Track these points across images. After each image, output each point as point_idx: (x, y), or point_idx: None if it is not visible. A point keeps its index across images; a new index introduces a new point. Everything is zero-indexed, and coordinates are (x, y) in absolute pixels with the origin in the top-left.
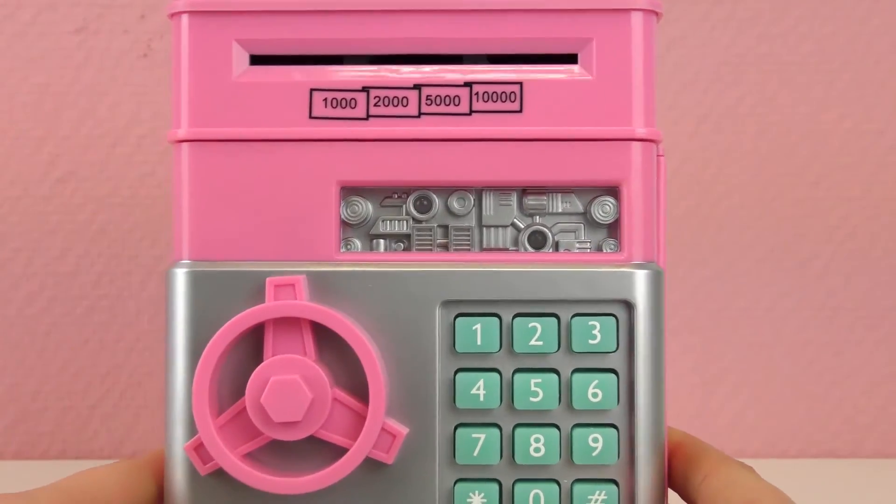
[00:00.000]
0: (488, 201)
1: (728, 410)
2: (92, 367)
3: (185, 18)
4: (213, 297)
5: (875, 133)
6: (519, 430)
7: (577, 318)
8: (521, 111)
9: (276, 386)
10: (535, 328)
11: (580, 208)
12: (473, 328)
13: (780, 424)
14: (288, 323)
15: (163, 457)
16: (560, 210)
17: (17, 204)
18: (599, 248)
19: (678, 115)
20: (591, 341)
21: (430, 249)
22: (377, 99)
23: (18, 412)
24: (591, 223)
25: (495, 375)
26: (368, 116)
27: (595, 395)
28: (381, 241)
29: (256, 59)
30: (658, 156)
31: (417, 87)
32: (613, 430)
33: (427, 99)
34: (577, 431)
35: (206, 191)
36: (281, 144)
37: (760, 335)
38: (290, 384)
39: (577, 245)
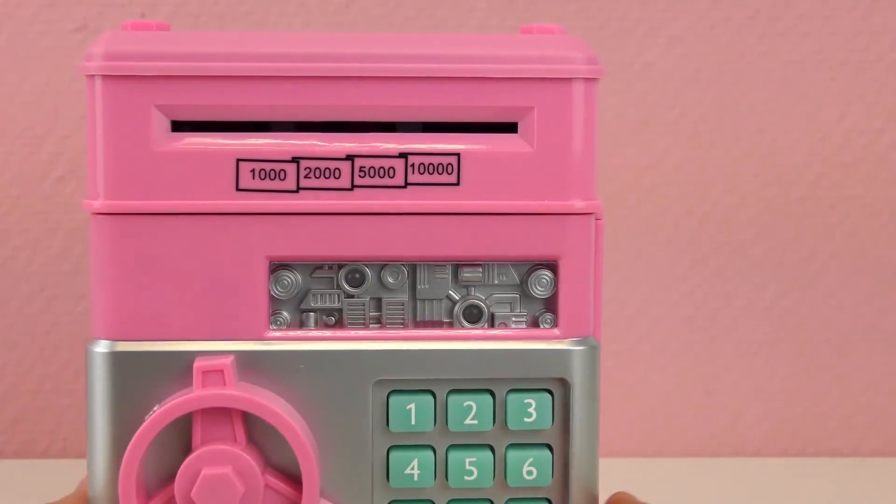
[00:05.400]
0: (422, 274)
1: (728, 409)
2: None
3: (97, 81)
4: (137, 379)
5: (875, 132)
6: None
7: (512, 395)
8: (458, 184)
9: (206, 480)
10: (469, 407)
11: (516, 280)
12: (407, 407)
13: (780, 423)
14: (217, 410)
15: None
16: (496, 282)
17: (17, 203)
18: (535, 321)
19: (678, 115)
20: (526, 419)
21: (363, 324)
22: (308, 170)
23: (18, 411)
24: (528, 296)
25: (429, 453)
26: (299, 189)
27: (530, 472)
28: (311, 314)
29: (178, 126)
30: (596, 220)
31: (350, 157)
32: None
33: (360, 170)
34: None
35: (126, 266)
36: (206, 218)
37: (760, 334)
38: (221, 478)
39: (514, 318)
